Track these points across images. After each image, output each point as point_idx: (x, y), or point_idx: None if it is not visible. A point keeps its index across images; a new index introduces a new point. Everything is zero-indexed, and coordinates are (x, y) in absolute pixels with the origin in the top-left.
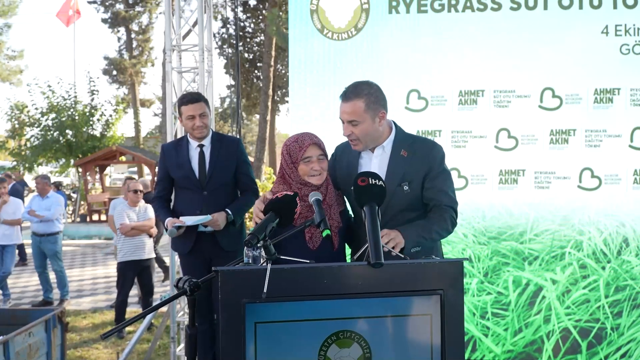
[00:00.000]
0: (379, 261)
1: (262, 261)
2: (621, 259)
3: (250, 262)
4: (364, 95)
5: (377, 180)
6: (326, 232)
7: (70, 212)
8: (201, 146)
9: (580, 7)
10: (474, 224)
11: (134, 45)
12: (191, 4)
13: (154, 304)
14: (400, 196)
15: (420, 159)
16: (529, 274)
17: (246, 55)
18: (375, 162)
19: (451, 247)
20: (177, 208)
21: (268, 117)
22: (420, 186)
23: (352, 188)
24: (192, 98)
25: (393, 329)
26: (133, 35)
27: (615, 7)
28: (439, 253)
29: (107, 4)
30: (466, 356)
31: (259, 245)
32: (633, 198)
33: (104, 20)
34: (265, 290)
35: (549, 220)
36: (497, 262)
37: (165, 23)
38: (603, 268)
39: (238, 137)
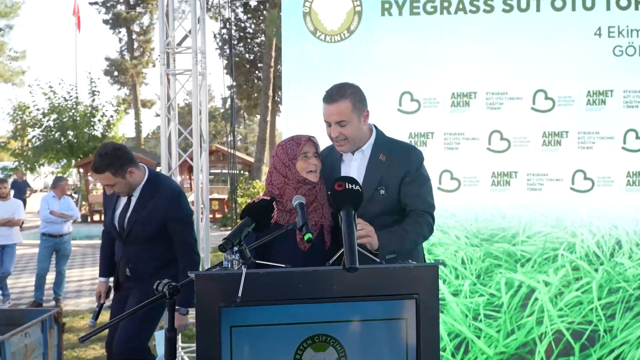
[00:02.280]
0: (354, 266)
1: (237, 265)
2: (614, 261)
3: (229, 266)
4: (350, 95)
5: (353, 185)
6: (308, 236)
7: None
8: (130, 195)
9: (573, 8)
10: (466, 226)
11: (135, 46)
12: (190, 5)
13: None
14: (376, 201)
15: (398, 164)
16: (521, 275)
17: (247, 56)
18: (355, 165)
19: (444, 248)
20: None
21: (268, 118)
22: (397, 191)
23: (324, 192)
24: (95, 168)
25: (368, 332)
26: (134, 36)
27: (608, 8)
28: (420, 255)
29: (108, 5)
30: (458, 358)
31: (235, 249)
32: (626, 200)
33: (105, 22)
34: (239, 294)
35: (542, 222)
36: (490, 264)
37: (159, 26)
38: (596, 270)
39: (176, 189)
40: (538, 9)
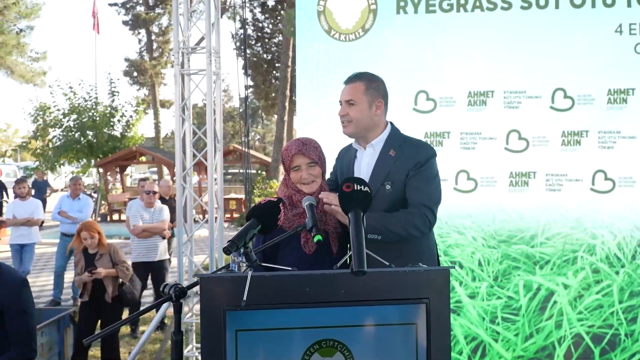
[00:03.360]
0: (362, 269)
1: (244, 267)
2: (636, 264)
3: (236, 268)
4: (365, 80)
5: (362, 186)
6: (317, 238)
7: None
8: None
9: (593, 5)
10: (483, 227)
11: (154, 47)
12: (205, 4)
13: None
14: (382, 195)
15: (406, 158)
16: (540, 278)
17: (264, 55)
18: (366, 161)
19: (460, 250)
20: None
21: (286, 118)
22: (403, 185)
23: (337, 194)
24: None
25: (377, 338)
26: (153, 37)
27: (629, 5)
28: (431, 257)
29: (127, 6)
30: None
31: (241, 251)
32: None
33: (125, 23)
34: (244, 297)
35: (561, 224)
36: (508, 266)
37: (174, 26)
38: (617, 273)
39: (19, 279)
40: (557, 6)
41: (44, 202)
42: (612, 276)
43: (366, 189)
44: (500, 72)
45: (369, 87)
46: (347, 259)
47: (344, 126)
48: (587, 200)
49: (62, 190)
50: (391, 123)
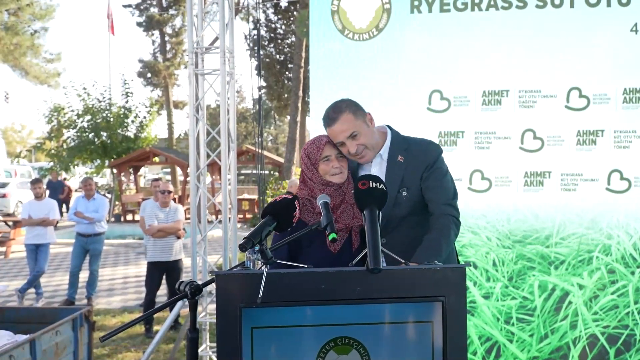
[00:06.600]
0: (377, 266)
1: (259, 265)
2: None
3: (251, 266)
4: (345, 108)
5: (378, 184)
6: (332, 236)
7: None
8: None
9: (609, 4)
10: (498, 227)
11: (167, 48)
12: (219, 4)
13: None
14: (400, 202)
15: (416, 162)
16: (555, 278)
17: (277, 56)
18: (374, 170)
19: (474, 250)
20: None
21: (298, 119)
22: (419, 189)
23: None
24: None
25: (393, 336)
26: (167, 38)
27: None
28: (452, 255)
29: (141, 7)
30: None
31: (257, 249)
32: None
33: (139, 24)
34: (260, 294)
35: (576, 224)
36: (522, 266)
37: (188, 26)
38: (632, 273)
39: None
40: (572, 5)
41: (59, 202)
42: (628, 276)
43: (382, 186)
44: (515, 71)
45: (353, 111)
46: (362, 256)
47: (360, 157)
48: (603, 201)
49: (76, 190)
50: (389, 127)
